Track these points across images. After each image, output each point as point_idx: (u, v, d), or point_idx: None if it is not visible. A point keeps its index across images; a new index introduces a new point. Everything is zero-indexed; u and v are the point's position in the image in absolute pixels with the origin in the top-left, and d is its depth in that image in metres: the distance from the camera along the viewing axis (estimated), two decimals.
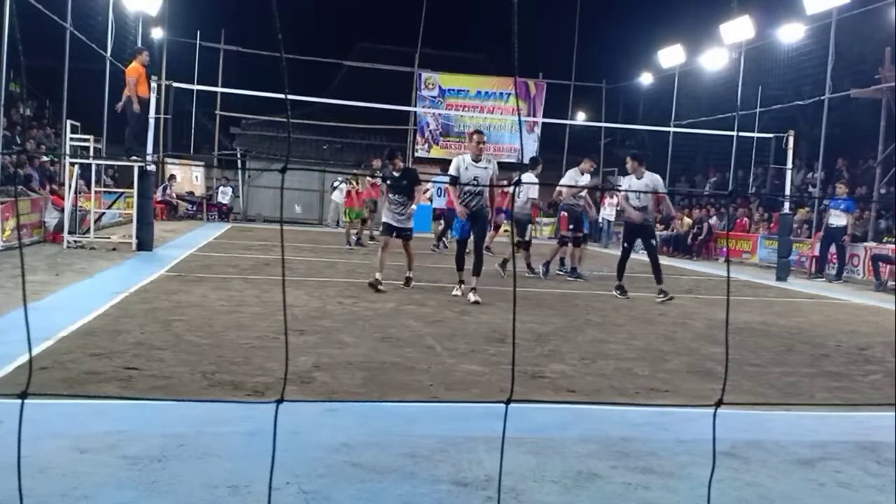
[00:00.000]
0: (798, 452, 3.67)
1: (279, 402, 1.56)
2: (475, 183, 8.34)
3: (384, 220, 9.21)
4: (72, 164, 12.27)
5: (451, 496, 2.89)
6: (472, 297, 8.19)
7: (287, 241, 15.00)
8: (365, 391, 4.39)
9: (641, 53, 25.28)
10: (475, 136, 8.56)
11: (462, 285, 8.57)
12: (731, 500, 3.04)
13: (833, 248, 14.58)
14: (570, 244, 11.63)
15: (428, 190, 23.79)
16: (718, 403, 1.79)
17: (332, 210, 19.85)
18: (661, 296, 9.31)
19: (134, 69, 12.06)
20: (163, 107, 14.29)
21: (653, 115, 24.86)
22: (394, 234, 9.11)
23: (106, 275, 8.80)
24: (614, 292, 9.64)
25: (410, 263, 9.34)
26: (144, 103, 12.16)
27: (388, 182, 9.42)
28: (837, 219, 14.55)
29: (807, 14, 17.14)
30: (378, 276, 8.77)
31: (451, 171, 8.48)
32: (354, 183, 15.07)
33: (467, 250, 8.92)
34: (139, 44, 17.09)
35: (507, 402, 1.62)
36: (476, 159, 8.40)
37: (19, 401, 1.49)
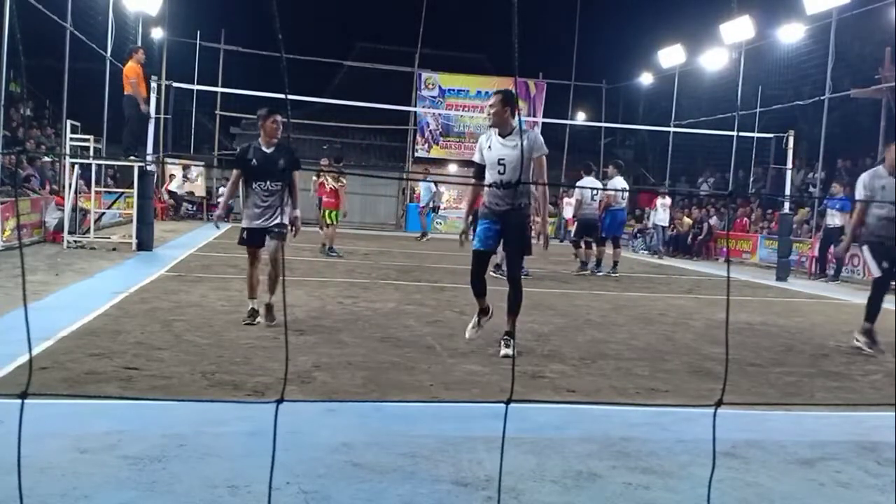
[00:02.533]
0: (798, 452, 3.67)
1: (279, 402, 1.56)
2: (501, 170, 5.59)
3: (244, 223, 6.37)
4: (72, 165, 12.27)
5: (451, 496, 2.89)
6: (504, 348, 5.49)
7: (286, 242, 14.98)
8: (365, 391, 4.39)
9: (641, 53, 25.33)
10: (491, 100, 5.75)
11: (481, 320, 5.77)
12: (731, 500, 3.04)
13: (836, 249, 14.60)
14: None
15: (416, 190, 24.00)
16: (718, 403, 1.79)
17: None
18: (864, 339, 6.59)
19: (132, 69, 12.01)
20: (163, 107, 14.28)
21: (653, 115, 24.87)
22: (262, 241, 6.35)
23: (106, 275, 8.80)
24: (858, 341, 6.62)
25: (274, 283, 6.26)
26: (145, 102, 12.16)
27: (254, 162, 6.20)
28: (833, 218, 14.61)
29: (807, 14, 17.14)
30: (253, 304, 6.36)
31: (475, 157, 5.87)
32: (325, 178, 13.19)
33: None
34: (139, 44, 17.09)
35: (507, 402, 1.62)
36: (504, 133, 5.63)
37: (19, 401, 1.49)
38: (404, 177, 24.55)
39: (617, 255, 12.59)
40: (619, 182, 12.81)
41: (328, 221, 13.31)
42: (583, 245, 12.60)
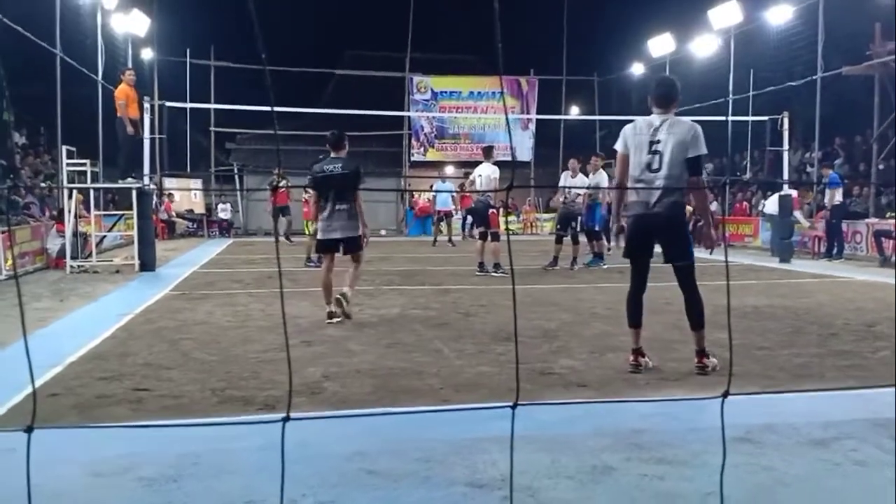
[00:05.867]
0: (812, 433, 3.66)
1: (285, 420, 1.56)
2: (652, 164, 4.90)
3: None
4: (70, 191, 12.27)
5: (466, 498, 2.89)
6: (709, 361, 4.95)
7: (288, 253, 15.01)
8: (375, 398, 4.39)
9: (631, 44, 25.27)
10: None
11: (630, 357, 5.09)
12: (747, 485, 3.04)
13: (832, 226, 14.62)
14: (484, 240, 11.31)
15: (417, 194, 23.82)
16: (725, 395, 1.79)
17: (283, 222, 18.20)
18: None
19: (122, 91, 12.09)
20: (157, 127, 14.24)
21: (646, 106, 24.67)
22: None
23: (111, 297, 8.81)
24: None
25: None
26: (136, 124, 12.16)
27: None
28: (827, 196, 14.67)
29: None
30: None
31: (618, 144, 5.13)
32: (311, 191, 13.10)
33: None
34: (129, 65, 17.12)
35: (514, 407, 1.62)
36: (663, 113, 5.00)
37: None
38: (403, 184, 24.55)
39: (601, 246, 12.65)
40: (602, 175, 12.78)
41: (310, 233, 13.09)
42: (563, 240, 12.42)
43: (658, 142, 4.86)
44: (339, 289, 7.08)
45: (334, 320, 6.83)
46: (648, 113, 5.21)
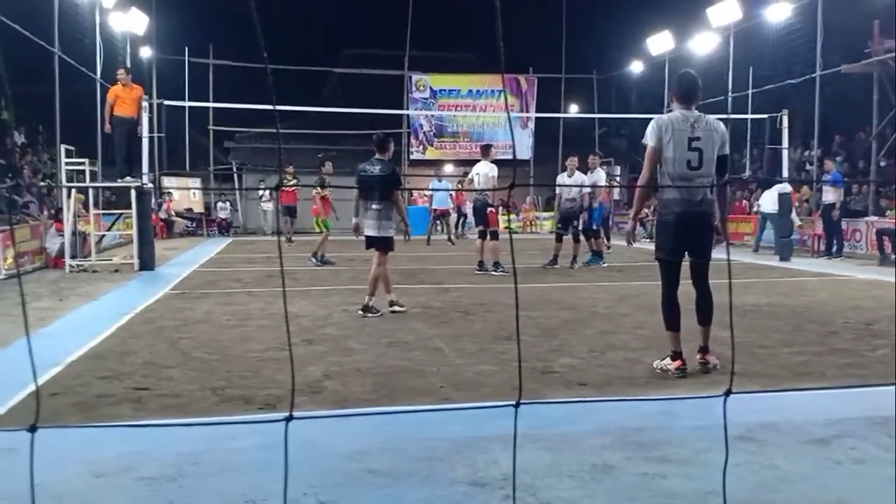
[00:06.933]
0: (812, 432, 3.66)
1: (288, 419, 1.56)
2: (692, 162, 4.77)
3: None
4: (70, 190, 12.27)
5: (468, 497, 2.89)
6: (712, 359, 4.99)
7: (289, 252, 15.01)
8: (376, 397, 4.39)
9: (630, 42, 25.29)
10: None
11: (677, 361, 4.96)
12: (748, 484, 3.04)
13: (832, 225, 14.61)
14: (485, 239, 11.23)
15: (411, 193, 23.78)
16: (728, 393, 1.79)
17: (267, 218, 17.93)
18: None
19: (111, 91, 12.25)
20: (155, 125, 14.21)
21: (646, 103, 24.84)
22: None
23: (110, 297, 8.80)
24: None
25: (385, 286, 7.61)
26: (129, 122, 12.15)
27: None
28: (826, 194, 14.64)
29: None
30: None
31: (650, 137, 4.91)
32: (320, 189, 12.76)
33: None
34: (128, 64, 17.11)
35: (517, 405, 1.62)
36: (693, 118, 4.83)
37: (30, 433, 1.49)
38: (402, 183, 24.49)
39: (600, 244, 12.67)
40: (600, 173, 12.75)
41: (321, 229, 13.04)
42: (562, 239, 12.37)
43: (698, 139, 4.76)
44: (388, 297, 7.61)
45: (369, 315, 7.27)
46: (651, 110, 5.23)
